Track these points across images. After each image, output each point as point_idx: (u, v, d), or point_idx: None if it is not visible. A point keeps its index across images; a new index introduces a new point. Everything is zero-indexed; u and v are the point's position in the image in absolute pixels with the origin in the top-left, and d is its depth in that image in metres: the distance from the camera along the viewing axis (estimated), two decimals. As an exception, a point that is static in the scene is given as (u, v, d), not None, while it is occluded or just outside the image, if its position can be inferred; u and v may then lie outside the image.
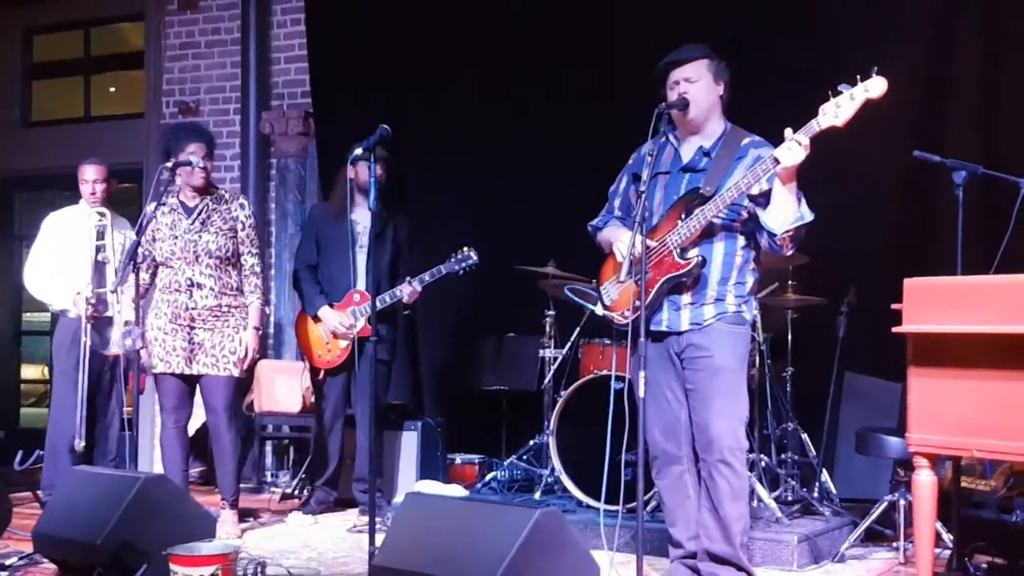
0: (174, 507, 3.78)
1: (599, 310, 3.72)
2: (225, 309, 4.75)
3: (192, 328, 4.69)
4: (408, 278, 5.09)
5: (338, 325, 5.06)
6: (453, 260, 5.04)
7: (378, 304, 4.92)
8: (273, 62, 7.13)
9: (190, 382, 4.78)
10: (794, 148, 3.21)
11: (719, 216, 3.45)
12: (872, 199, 5.25)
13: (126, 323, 4.66)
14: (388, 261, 5.16)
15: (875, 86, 3.15)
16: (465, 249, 5.05)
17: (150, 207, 4.48)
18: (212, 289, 4.72)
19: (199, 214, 4.76)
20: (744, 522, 3.52)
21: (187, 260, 4.71)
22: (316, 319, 5.14)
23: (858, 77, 3.15)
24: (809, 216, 3.40)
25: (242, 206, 4.87)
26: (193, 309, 4.69)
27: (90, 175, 5.41)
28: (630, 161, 3.78)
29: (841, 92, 3.17)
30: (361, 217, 5.06)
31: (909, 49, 5.18)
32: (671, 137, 3.62)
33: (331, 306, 5.10)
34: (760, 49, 5.32)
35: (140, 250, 4.47)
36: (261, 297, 4.86)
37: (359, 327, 5.00)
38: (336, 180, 5.23)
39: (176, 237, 4.73)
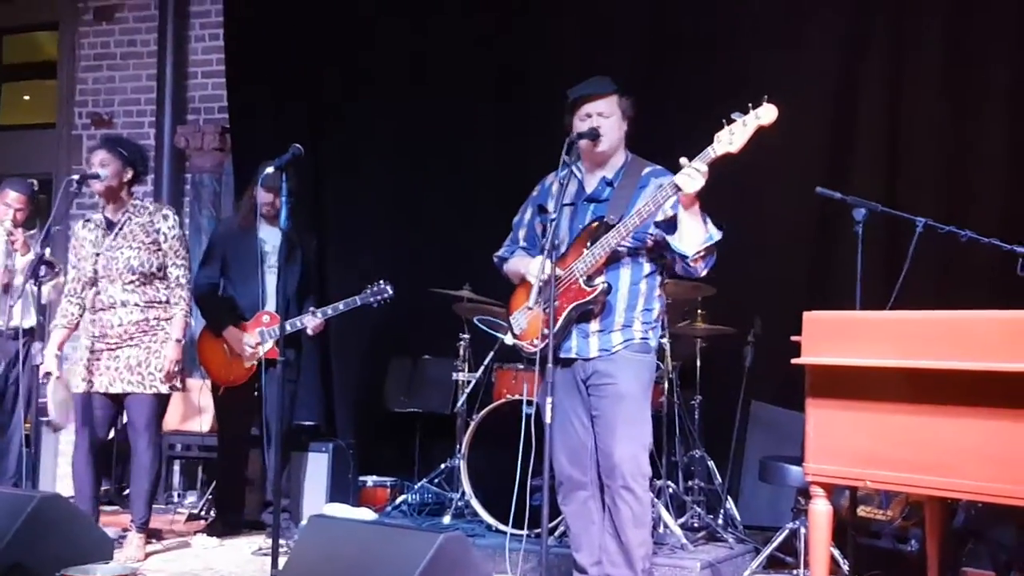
0: (70, 528, 3.69)
1: (509, 339, 3.75)
2: (153, 322, 4.62)
3: (119, 346, 4.58)
4: (312, 308, 5.04)
5: (244, 345, 4.99)
6: (368, 292, 5.01)
7: (288, 329, 4.89)
8: (190, 76, 7.06)
9: (115, 401, 4.66)
10: (693, 175, 3.28)
11: (624, 244, 3.51)
12: (779, 233, 5.38)
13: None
14: (297, 282, 5.11)
15: (766, 113, 3.23)
16: (381, 282, 5.01)
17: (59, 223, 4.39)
18: (137, 304, 4.60)
19: (120, 228, 4.65)
20: (646, 548, 3.57)
21: (109, 278, 4.60)
22: (220, 337, 5.07)
23: (749, 105, 3.23)
24: (717, 235, 3.46)
25: (165, 217, 4.72)
26: (119, 326, 4.57)
27: (12, 201, 5.25)
28: (534, 192, 3.83)
29: (734, 120, 3.25)
30: (269, 236, 5.01)
31: (815, 85, 5.33)
32: (575, 169, 3.65)
33: (238, 325, 5.04)
34: (662, 78, 5.44)
35: (42, 265, 4.37)
36: (185, 309, 4.73)
37: (265, 348, 4.95)
38: (243, 197, 5.17)
39: (98, 254, 4.62)
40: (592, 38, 5.76)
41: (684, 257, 3.46)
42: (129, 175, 4.68)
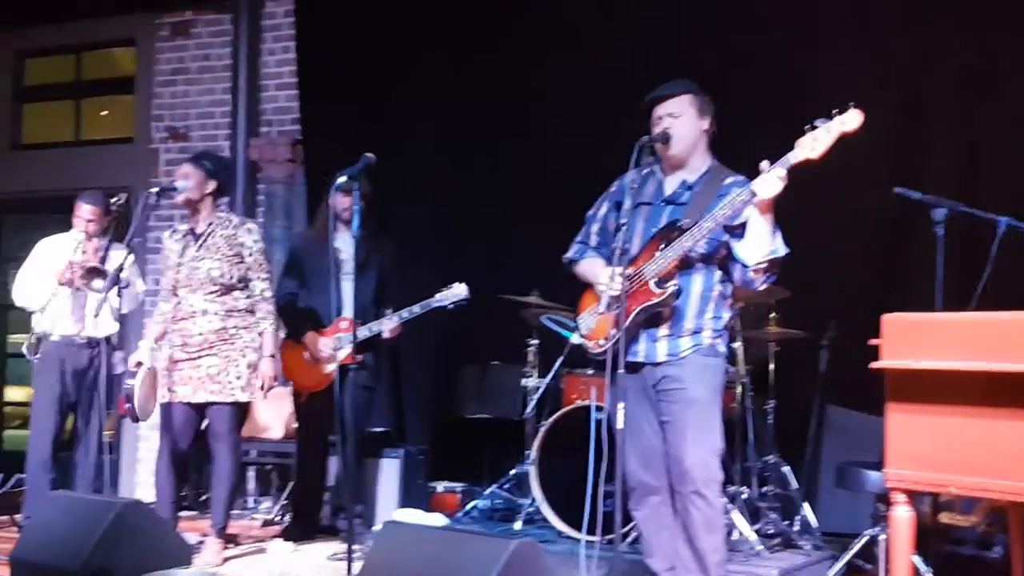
0: (151, 534, 3.77)
1: (575, 339, 3.74)
2: (232, 331, 4.69)
3: (199, 355, 4.66)
4: (389, 312, 5.09)
5: (322, 349, 5.05)
6: (443, 294, 5.03)
7: (366, 333, 4.95)
8: (263, 89, 7.17)
9: (197, 410, 4.74)
10: (771, 180, 3.24)
11: (698, 249, 3.48)
12: (854, 234, 5.29)
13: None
14: (373, 288, 5.16)
15: (850, 119, 3.19)
16: (456, 284, 5.04)
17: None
18: (217, 314, 4.67)
19: (204, 240, 4.74)
20: (720, 554, 3.52)
21: (191, 287, 4.69)
22: (301, 343, 5.14)
23: (834, 111, 3.19)
24: (783, 250, 3.42)
25: (249, 231, 4.80)
26: (200, 335, 4.65)
27: (84, 213, 5.37)
28: (612, 188, 3.81)
29: (817, 126, 3.21)
30: (344, 244, 5.07)
31: (890, 86, 5.24)
32: (656, 169, 3.66)
33: (317, 332, 5.10)
34: (740, 85, 5.37)
35: (123, 274, 4.48)
36: (274, 324, 4.80)
37: (343, 354, 4.99)
38: (319, 208, 5.24)
39: (181, 264, 4.71)
40: (645, 41, 5.72)
41: (745, 266, 3.43)
42: (212, 187, 4.76)
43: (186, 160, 4.87)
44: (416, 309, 5.05)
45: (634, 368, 3.52)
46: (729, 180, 3.56)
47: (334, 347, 5.02)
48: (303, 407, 5.23)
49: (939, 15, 5.18)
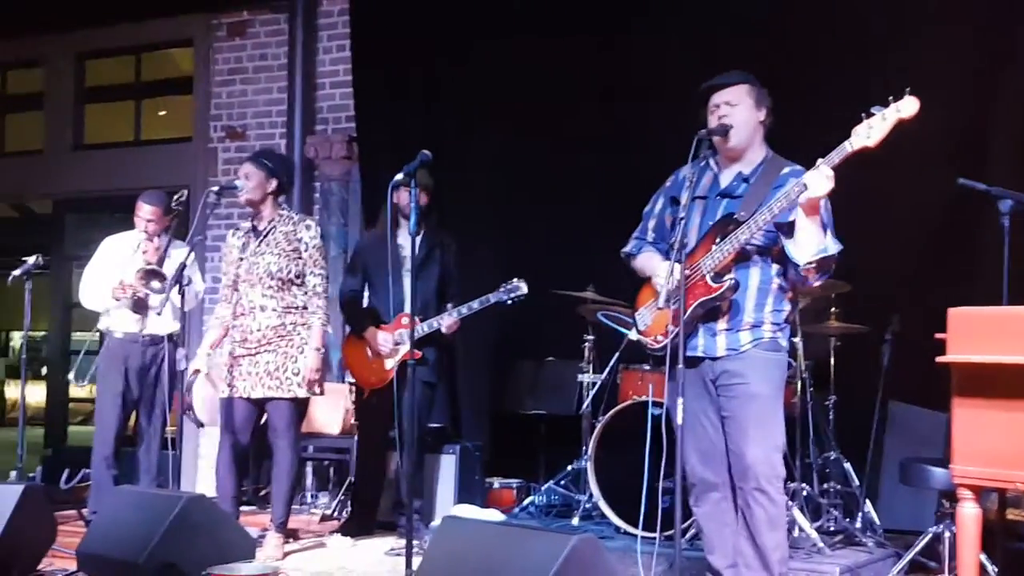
0: (215, 528, 3.82)
1: (633, 335, 3.72)
2: (290, 327, 4.73)
3: (258, 351, 4.71)
4: (449, 306, 5.10)
5: (382, 344, 5.08)
6: (503, 290, 5.04)
7: (425, 329, 4.97)
8: (318, 87, 7.24)
9: (257, 405, 4.80)
10: (821, 177, 3.20)
11: (755, 242, 3.45)
12: (917, 226, 5.20)
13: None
14: (435, 284, 5.18)
15: (907, 106, 3.13)
16: (515, 280, 5.04)
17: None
18: (275, 310, 4.72)
19: (265, 236, 4.79)
20: (782, 551, 3.49)
21: (250, 282, 4.74)
22: (363, 340, 5.18)
23: (890, 98, 3.14)
24: (834, 248, 3.37)
25: (308, 227, 4.84)
26: (258, 331, 4.70)
27: (145, 213, 5.42)
28: (667, 183, 3.78)
29: (873, 114, 3.16)
30: (407, 241, 5.08)
31: (950, 74, 5.13)
32: (711, 162, 3.62)
33: (378, 328, 5.14)
34: (795, 75, 5.30)
35: (186, 271, 4.55)
36: (323, 318, 4.83)
37: (404, 350, 5.01)
38: (375, 205, 5.27)
39: (242, 259, 4.78)
40: (706, 34, 5.67)
41: (796, 265, 3.39)
42: (273, 186, 4.81)
43: (247, 159, 4.92)
44: (475, 305, 5.06)
45: (693, 363, 3.49)
46: (786, 170, 3.51)
47: (394, 342, 5.05)
48: (364, 403, 5.27)
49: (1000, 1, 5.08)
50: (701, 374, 3.53)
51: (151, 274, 5.09)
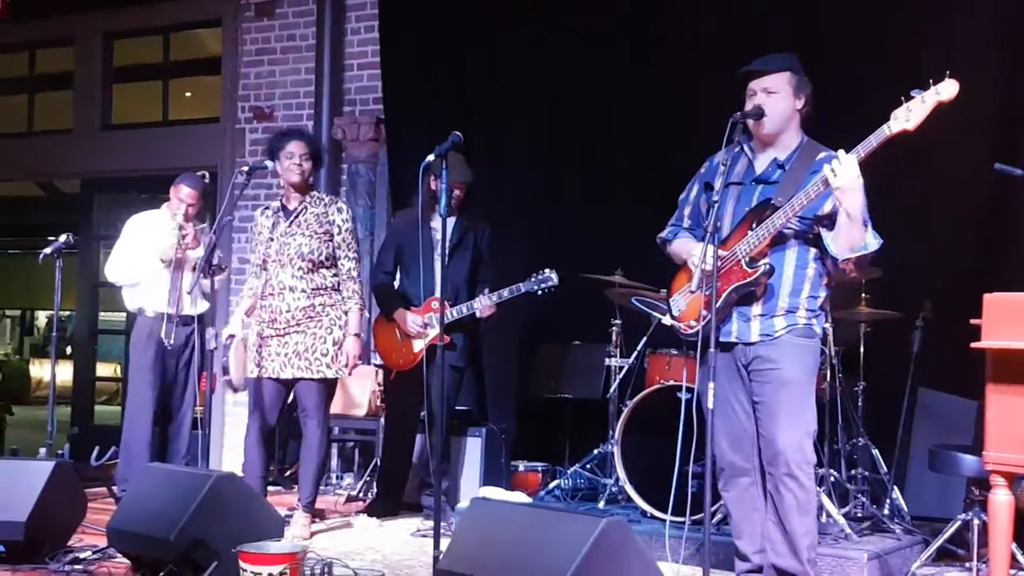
0: (244, 506, 3.84)
1: (667, 320, 3.71)
2: (319, 308, 4.74)
3: (286, 332, 4.73)
4: (486, 291, 5.11)
5: (411, 326, 5.09)
6: (533, 280, 5.03)
7: (455, 314, 4.98)
8: (346, 68, 7.22)
9: (285, 386, 4.82)
10: (846, 167, 3.18)
11: (790, 227, 3.42)
12: (950, 212, 5.14)
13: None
14: (468, 269, 5.18)
15: (947, 89, 3.11)
16: (546, 270, 5.03)
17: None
18: (304, 291, 4.73)
19: (296, 216, 4.79)
20: (811, 537, 3.48)
21: (280, 263, 4.74)
22: (392, 321, 5.19)
23: (930, 81, 3.11)
24: (874, 245, 3.36)
25: (339, 210, 4.86)
26: (287, 312, 4.71)
27: (185, 196, 5.45)
28: (702, 169, 3.76)
29: (912, 97, 3.13)
30: (440, 224, 5.08)
31: (988, 60, 5.07)
32: (746, 147, 3.59)
33: (409, 310, 5.14)
34: (833, 59, 5.25)
35: (216, 252, 4.56)
36: (360, 303, 4.85)
37: (433, 333, 5.01)
38: (403, 187, 5.27)
39: (272, 239, 4.78)
40: (736, 27, 5.61)
41: (835, 259, 3.37)
42: (307, 166, 4.82)
43: (296, 138, 4.87)
44: (504, 294, 5.06)
45: (726, 348, 3.49)
46: (822, 155, 3.47)
47: (423, 324, 5.06)
48: (392, 384, 5.28)
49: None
50: (734, 358, 3.53)
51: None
